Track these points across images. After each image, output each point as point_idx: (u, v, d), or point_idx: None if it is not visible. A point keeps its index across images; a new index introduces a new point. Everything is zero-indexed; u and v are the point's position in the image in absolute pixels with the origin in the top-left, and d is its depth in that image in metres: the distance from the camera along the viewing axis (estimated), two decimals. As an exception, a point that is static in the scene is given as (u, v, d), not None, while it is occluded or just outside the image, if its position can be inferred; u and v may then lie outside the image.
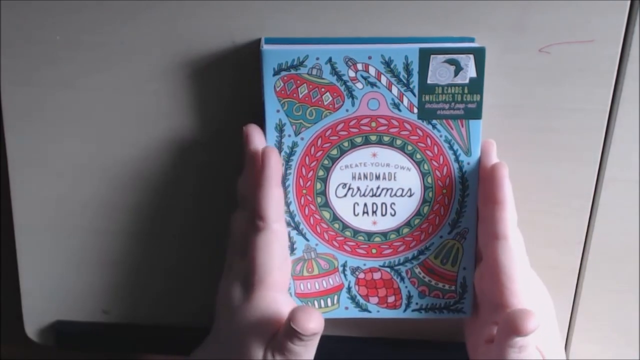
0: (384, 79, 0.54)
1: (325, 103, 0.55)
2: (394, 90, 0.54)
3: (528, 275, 0.56)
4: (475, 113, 0.54)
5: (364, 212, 0.57)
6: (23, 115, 0.61)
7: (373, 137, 0.55)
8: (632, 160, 0.59)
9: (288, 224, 0.58)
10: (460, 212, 0.57)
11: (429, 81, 0.54)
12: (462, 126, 0.55)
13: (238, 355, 0.53)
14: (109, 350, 0.63)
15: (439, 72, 0.53)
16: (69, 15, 0.57)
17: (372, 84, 0.54)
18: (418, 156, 0.56)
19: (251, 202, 0.54)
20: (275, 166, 0.53)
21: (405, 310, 0.60)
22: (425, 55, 0.53)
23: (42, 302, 0.66)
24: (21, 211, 0.63)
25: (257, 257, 0.53)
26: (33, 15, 0.58)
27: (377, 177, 0.56)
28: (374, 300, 0.60)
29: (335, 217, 0.58)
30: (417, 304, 0.60)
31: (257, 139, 0.55)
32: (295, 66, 0.53)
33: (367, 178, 0.56)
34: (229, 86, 0.58)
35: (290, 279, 0.58)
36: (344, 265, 0.59)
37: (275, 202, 0.53)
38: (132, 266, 0.65)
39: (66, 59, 0.59)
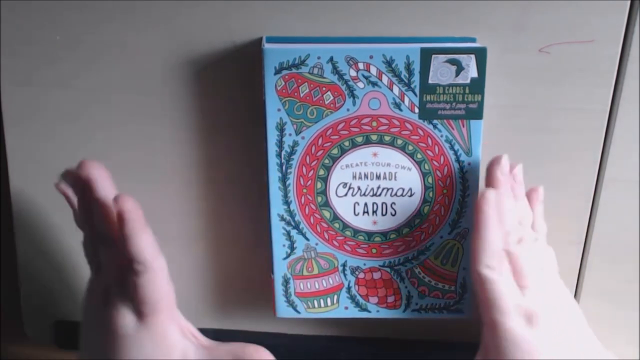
0: (385, 79, 0.54)
1: (326, 102, 0.55)
2: (395, 89, 0.54)
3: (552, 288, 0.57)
4: (476, 113, 0.54)
5: (364, 212, 0.57)
6: (23, 115, 0.61)
7: (374, 137, 0.55)
8: (632, 160, 0.59)
9: (288, 223, 0.58)
10: (460, 212, 0.57)
11: (430, 81, 0.54)
12: (463, 126, 0.55)
13: None
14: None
15: (440, 72, 0.53)
16: (69, 15, 0.57)
17: (374, 84, 0.54)
18: (419, 156, 0.56)
19: (120, 248, 0.51)
20: (135, 211, 0.50)
21: (405, 310, 0.60)
22: (426, 55, 0.53)
23: (42, 302, 0.66)
24: (21, 211, 0.63)
25: (145, 294, 0.51)
26: (33, 15, 0.58)
27: (378, 177, 0.56)
28: (374, 300, 0.60)
29: (336, 217, 0.58)
30: (416, 304, 0.60)
31: (102, 184, 0.52)
32: (296, 65, 0.53)
33: (367, 178, 0.56)
34: (230, 85, 0.58)
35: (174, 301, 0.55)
36: (344, 265, 0.59)
37: (148, 244, 0.50)
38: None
39: (66, 59, 0.59)
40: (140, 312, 0.51)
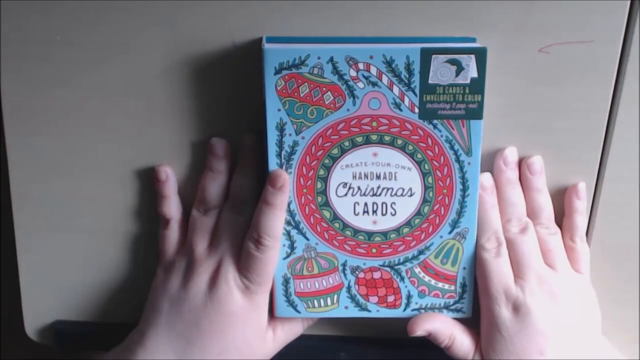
0: (385, 79, 0.54)
1: (327, 102, 0.55)
2: (395, 89, 0.54)
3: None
4: (476, 113, 0.54)
5: (364, 212, 0.57)
6: (23, 115, 0.60)
7: (374, 137, 0.55)
8: (632, 160, 0.59)
9: (288, 223, 0.58)
10: (460, 212, 0.57)
11: (430, 81, 0.54)
12: (463, 126, 0.55)
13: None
14: (109, 350, 0.62)
15: (441, 72, 0.53)
16: (69, 15, 0.57)
17: (374, 84, 0.54)
18: (419, 156, 0.56)
19: (256, 219, 0.57)
20: (287, 192, 0.56)
21: (404, 309, 0.60)
22: (426, 55, 0.53)
23: (42, 302, 0.66)
24: (21, 211, 0.63)
25: (264, 270, 0.57)
26: (33, 15, 0.57)
27: (378, 177, 0.56)
28: (374, 299, 0.60)
29: (336, 217, 0.58)
30: (416, 303, 0.60)
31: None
32: (296, 65, 0.53)
33: (367, 177, 0.56)
34: (230, 85, 0.58)
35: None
36: (344, 265, 0.59)
37: (281, 224, 0.57)
38: (132, 266, 0.64)
39: (66, 59, 0.59)
40: (250, 291, 0.57)
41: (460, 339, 0.59)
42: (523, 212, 0.59)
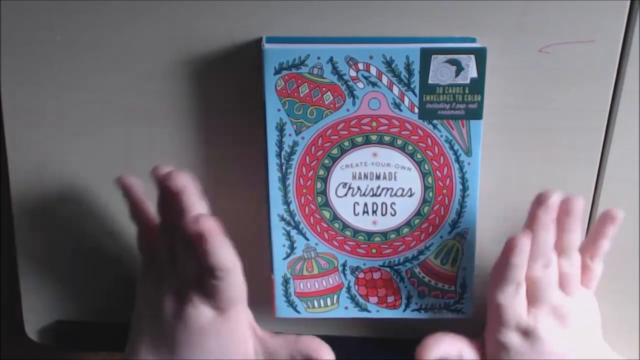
0: (385, 79, 0.54)
1: (326, 102, 0.55)
2: (395, 90, 0.54)
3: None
4: (476, 113, 0.54)
5: (364, 212, 0.57)
6: (23, 115, 0.60)
7: (374, 137, 0.55)
8: (632, 160, 0.59)
9: (288, 223, 0.58)
10: (460, 212, 0.57)
11: (430, 81, 0.54)
12: (463, 126, 0.55)
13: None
14: (109, 350, 0.62)
15: (440, 72, 0.53)
16: (69, 15, 0.57)
17: (373, 84, 0.54)
18: (418, 156, 0.56)
19: (200, 260, 0.52)
20: (215, 229, 0.51)
21: (404, 310, 0.60)
22: (426, 55, 0.53)
23: (42, 302, 0.66)
24: (21, 211, 0.63)
25: (225, 294, 0.53)
26: (33, 15, 0.57)
27: (378, 177, 0.56)
28: (374, 300, 0.60)
29: (336, 217, 0.58)
30: (416, 303, 0.60)
31: (191, 194, 0.53)
32: (296, 65, 0.53)
33: (367, 178, 0.56)
34: (230, 85, 0.58)
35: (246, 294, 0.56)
36: (344, 265, 0.59)
37: (229, 254, 0.52)
38: (132, 266, 0.64)
39: (66, 59, 0.59)
40: (218, 308, 0.54)
41: (468, 356, 0.58)
42: (551, 249, 0.55)
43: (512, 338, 0.56)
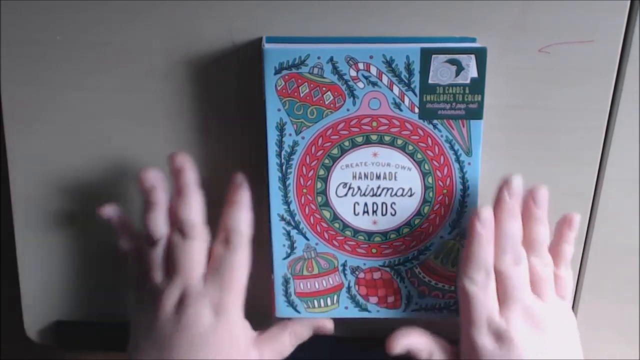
0: (385, 79, 0.54)
1: (327, 102, 0.55)
2: (395, 89, 0.54)
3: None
4: (476, 113, 0.54)
5: (364, 212, 0.57)
6: (23, 115, 0.60)
7: (374, 137, 0.55)
8: (632, 160, 0.59)
9: (288, 223, 0.58)
10: (460, 212, 0.57)
11: (430, 81, 0.54)
12: (463, 126, 0.55)
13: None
14: (109, 350, 0.62)
15: (441, 72, 0.53)
16: (69, 15, 0.57)
17: (374, 84, 0.54)
18: (419, 156, 0.56)
19: (222, 219, 0.57)
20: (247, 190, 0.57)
21: (404, 310, 0.60)
22: (426, 55, 0.53)
23: (42, 302, 0.66)
24: (21, 211, 0.63)
25: (233, 273, 0.56)
26: (33, 15, 0.57)
27: (378, 177, 0.56)
28: (374, 300, 0.60)
29: (336, 217, 0.58)
30: (416, 304, 0.60)
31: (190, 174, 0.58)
32: (296, 65, 0.53)
33: (367, 177, 0.56)
34: (230, 85, 0.58)
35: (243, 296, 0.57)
36: (344, 265, 0.59)
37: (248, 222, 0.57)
38: (132, 266, 0.64)
39: (66, 59, 0.59)
40: (217, 306, 0.55)
41: (439, 356, 0.58)
42: (519, 243, 0.56)
43: (484, 340, 0.55)
